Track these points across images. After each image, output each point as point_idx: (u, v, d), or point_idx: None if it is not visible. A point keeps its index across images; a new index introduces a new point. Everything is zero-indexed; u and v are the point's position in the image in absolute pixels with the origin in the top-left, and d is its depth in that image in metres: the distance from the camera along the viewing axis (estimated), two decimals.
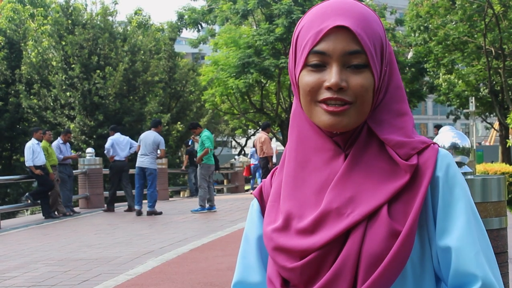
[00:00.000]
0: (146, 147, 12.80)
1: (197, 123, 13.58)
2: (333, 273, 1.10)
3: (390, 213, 1.11)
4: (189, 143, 20.85)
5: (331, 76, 1.12)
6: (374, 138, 1.17)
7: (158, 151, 13.04)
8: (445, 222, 1.13)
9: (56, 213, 13.34)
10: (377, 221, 1.10)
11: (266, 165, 14.91)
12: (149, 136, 12.87)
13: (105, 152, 14.09)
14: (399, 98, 1.20)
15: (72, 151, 14.77)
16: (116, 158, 13.88)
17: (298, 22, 1.20)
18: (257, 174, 22.00)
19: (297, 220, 1.16)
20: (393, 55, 1.21)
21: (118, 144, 13.96)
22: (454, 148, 3.24)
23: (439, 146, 1.18)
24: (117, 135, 14.10)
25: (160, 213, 12.96)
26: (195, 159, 19.23)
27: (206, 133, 12.90)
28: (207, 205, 13.18)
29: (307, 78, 1.14)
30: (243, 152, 39.25)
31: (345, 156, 1.17)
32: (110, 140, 13.98)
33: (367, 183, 1.13)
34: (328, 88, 1.12)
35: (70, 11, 24.10)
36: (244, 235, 1.30)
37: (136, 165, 12.97)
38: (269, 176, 1.31)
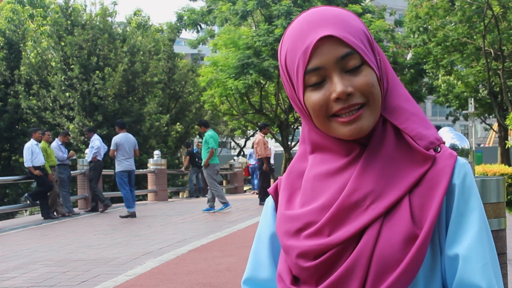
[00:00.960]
0: (129, 150, 12.83)
1: (206, 121, 13.38)
2: (344, 270, 1.09)
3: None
4: (190, 145, 20.89)
5: (335, 86, 1.11)
6: (388, 127, 1.16)
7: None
8: (457, 231, 1.12)
9: (55, 213, 13.35)
10: (394, 219, 1.10)
11: (261, 167, 14.82)
12: (129, 139, 12.92)
13: (94, 152, 14.27)
14: (398, 83, 1.20)
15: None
16: (98, 157, 14.36)
17: (280, 46, 1.19)
18: (254, 175, 21.97)
19: (313, 225, 1.14)
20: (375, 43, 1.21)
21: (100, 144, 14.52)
22: (453, 149, 3.23)
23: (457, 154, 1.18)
24: (96, 136, 14.61)
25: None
26: (197, 159, 19.25)
27: (210, 132, 12.82)
28: (207, 205, 13.17)
29: (313, 98, 1.13)
30: (242, 153, 39.24)
31: (362, 149, 1.16)
32: (97, 140, 14.34)
33: (386, 174, 1.13)
34: (337, 99, 1.11)
35: (69, 11, 24.07)
36: (257, 232, 1.30)
37: (123, 169, 12.76)
38: (285, 173, 1.29)
